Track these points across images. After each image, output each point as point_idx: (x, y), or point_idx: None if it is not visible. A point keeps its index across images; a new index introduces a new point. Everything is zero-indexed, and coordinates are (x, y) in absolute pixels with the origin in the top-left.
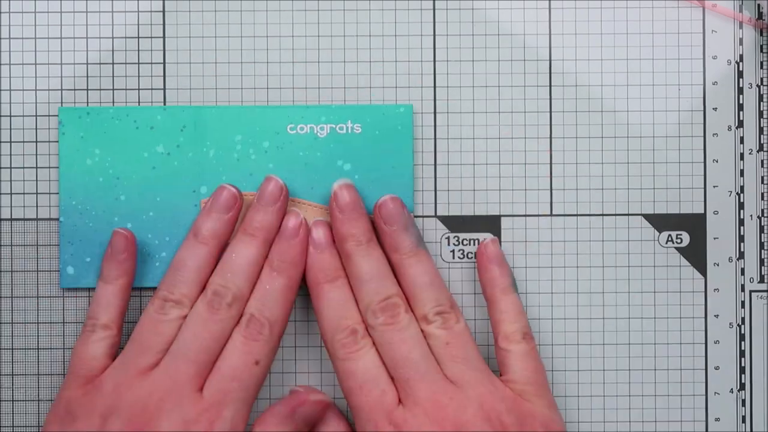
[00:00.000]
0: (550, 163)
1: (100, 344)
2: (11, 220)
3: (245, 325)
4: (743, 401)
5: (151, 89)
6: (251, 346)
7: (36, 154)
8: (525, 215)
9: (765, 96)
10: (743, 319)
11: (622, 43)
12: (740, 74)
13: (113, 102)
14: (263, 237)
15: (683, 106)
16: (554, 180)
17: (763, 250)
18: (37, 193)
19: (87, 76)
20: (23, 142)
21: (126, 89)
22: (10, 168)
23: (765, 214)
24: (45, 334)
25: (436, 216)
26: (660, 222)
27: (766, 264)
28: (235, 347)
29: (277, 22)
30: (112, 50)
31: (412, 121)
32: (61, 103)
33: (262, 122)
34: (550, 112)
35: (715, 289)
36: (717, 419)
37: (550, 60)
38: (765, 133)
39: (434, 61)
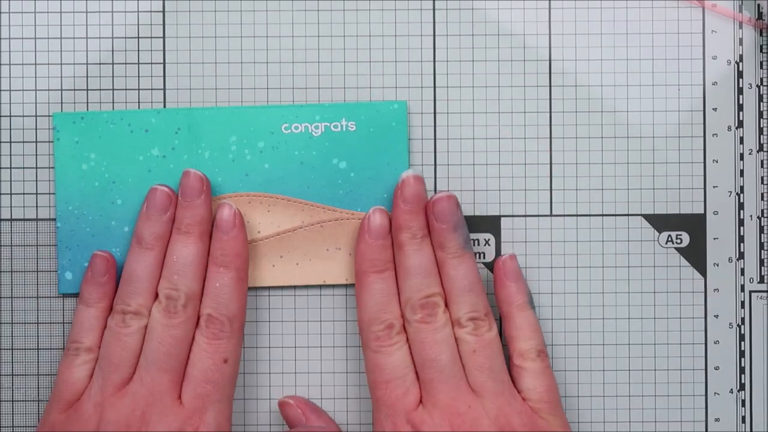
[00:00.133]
0: (550, 163)
1: (84, 367)
2: (11, 220)
3: (205, 326)
4: (743, 401)
5: (151, 89)
6: (216, 345)
7: (36, 155)
8: (525, 215)
9: (765, 96)
10: (743, 320)
11: (622, 43)
12: (740, 74)
13: (113, 102)
14: (198, 232)
15: (683, 106)
16: (554, 180)
17: (763, 251)
18: (36, 194)
19: (87, 77)
20: (23, 142)
21: (126, 89)
22: (10, 168)
23: (765, 215)
24: (44, 334)
25: None
26: (660, 222)
27: (766, 264)
28: (201, 350)
29: (277, 22)
30: (112, 50)
31: (406, 117)
32: (61, 102)
33: (256, 122)
34: (550, 112)
35: (715, 290)
36: (717, 419)
37: (550, 60)
38: (765, 133)
39: (434, 61)
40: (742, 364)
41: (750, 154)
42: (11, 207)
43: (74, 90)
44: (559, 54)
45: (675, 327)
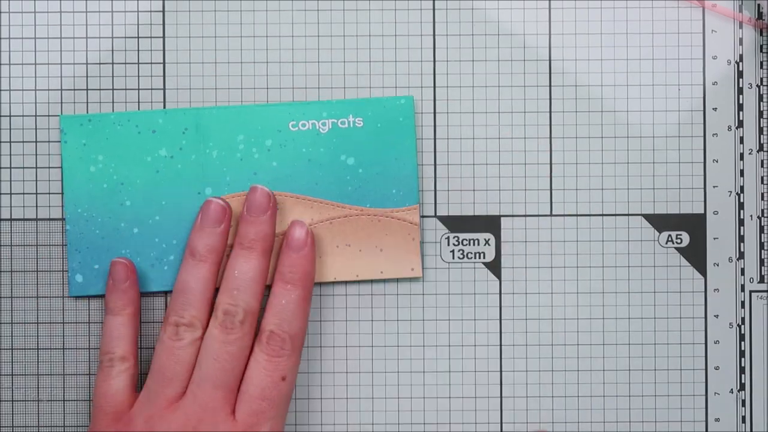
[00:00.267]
0: (550, 163)
1: (121, 377)
2: (11, 220)
3: (266, 343)
4: (743, 401)
5: (151, 89)
6: (275, 362)
7: (36, 154)
8: (525, 215)
9: (765, 96)
10: (743, 319)
11: (622, 43)
12: (740, 74)
13: (113, 102)
14: (261, 248)
15: (683, 106)
16: (554, 180)
17: (763, 250)
18: (36, 194)
19: (87, 76)
20: (23, 142)
21: (126, 89)
22: (10, 168)
23: (765, 214)
24: (45, 334)
25: (436, 216)
26: (660, 222)
27: (766, 264)
28: (259, 366)
29: (277, 22)
30: (112, 50)
31: (413, 112)
32: (61, 102)
33: (263, 121)
34: (550, 112)
35: (715, 289)
36: (717, 419)
37: (550, 60)
38: (765, 133)
39: (434, 61)
40: (742, 364)
41: (750, 154)
42: (11, 207)
43: (74, 90)
44: (559, 54)
45: (675, 327)
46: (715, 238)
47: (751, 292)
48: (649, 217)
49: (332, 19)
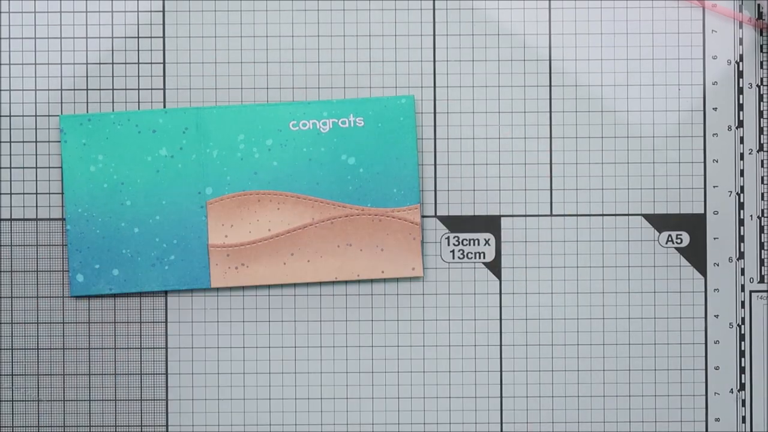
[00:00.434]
0: (550, 163)
1: None
2: (11, 220)
3: None
4: (743, 401)
5: (151, 89)
6: None
7: (36, 154)
8: (525, 215)
9: (765, 96)
10: (743, 319)
11: (622, 43)
12: (740, 74)
13: (113, 102)
14: None
15: (683, 106)
16: (554, 180)
17: (763, 250)
18: (36, 194)
19: (86, 76)
20: (23, 142)
21: (126, 89)
22: (10, 168)
23: (765, 214)
24: (45, 334)
25: (436, 216)
26: (660, 222)
27: (766, 264)
28: None
29: (277, 22)
30: (112, 50)
31: (414, 111)
32: (61, 102)
33: (264, 120)
34: (550, 112)
35: (715, 289)
36: (717, 419)
37: (550, 60)
38: (765, 133)
39: (434, 61)
40: (742, 364)
41: (750, 153)
42: (11, 207)
43: (74, 90)
44: (559, 54)
45: (675, 327)
46: (715, 238)
47: (751, 292)
48: (649, 217)
49: (332, 19)
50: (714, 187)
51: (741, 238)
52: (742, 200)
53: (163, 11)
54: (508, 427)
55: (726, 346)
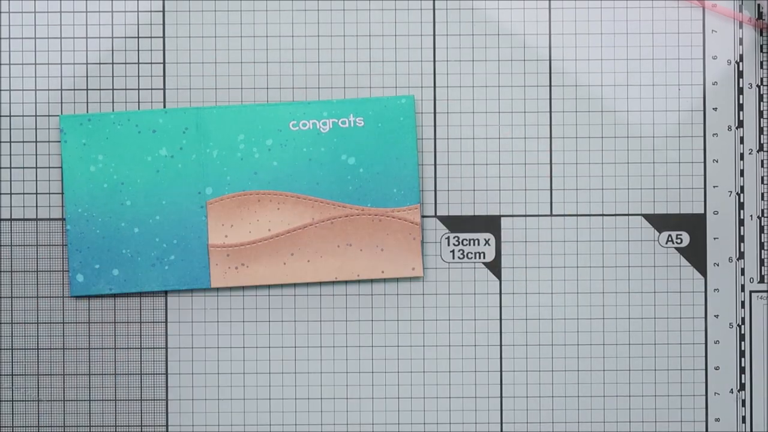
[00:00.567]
0: (550, 163)
1: None
2: (11, 220)
3: None
4: (743, 401)
5: (151, 89)
6: None
7: (36, 154)
8: (525, 215)
9: (765, 96)
10: (743, 319)
11: (622, 43)
12: (740, 74)
13: (113, 102)
14: None
15: (683, 106)
16: (554, 180)
17: (763, 250)
18: (36, 194)
19: (87, 76)
20: (23, 142)
21: (126, 89)
22: (10, 168)
23: (765, 214)
24: (44, 334)
25: (436, 216)
26: (660, 222)
27: (766, 264)
28: None
29: (277, 22)
30: (112, 50)
31: (414, 111)
32: (61, 102)
33: (264, 120)
34: (550, 112)
35: (715, 289)
36: (717, 419)
37: (550, 60)
38: (765, 133)
39: (434, 61)
40: (742, 364)
41: (750, 154)
42: (11, 207)
43: (74, 90)
44: (559, 54)
45: (675, 327)
46: (715, 238)
47: (751, 292)
48: (649, 217)
49: (332, 19)
50: (714, 187)
51: (741, 238)
52: (742, 200)
53: (163, 11)
54: (508, 427)
55: (726, 346)
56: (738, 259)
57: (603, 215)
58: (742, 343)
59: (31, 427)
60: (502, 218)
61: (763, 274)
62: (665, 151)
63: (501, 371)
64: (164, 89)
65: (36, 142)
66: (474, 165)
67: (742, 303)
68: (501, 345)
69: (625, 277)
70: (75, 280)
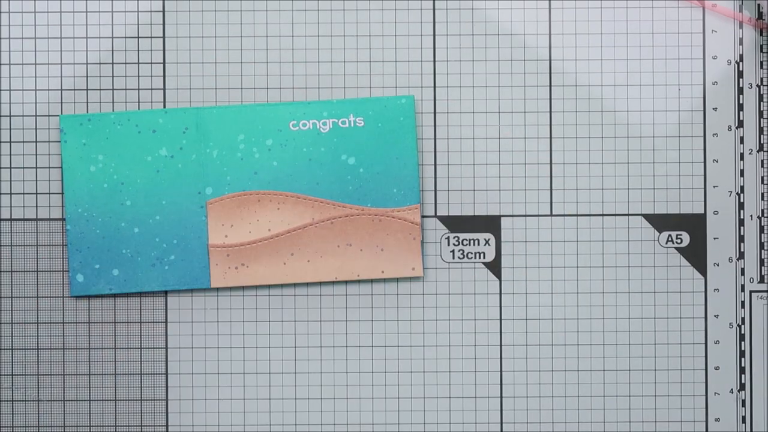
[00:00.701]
0: (550, 163)
1: None
2: (11, 220)
3: None
4: (743, 401)
5: (151, 89)
6: None
7: (36, 154)
8: (525, 215)
9: (765, 96)
10: (743, 320)
11: (622, 43)
12: (740, 74)
13: (113, 102)
14: None
15: (683, 106)
16: (554, 180)
17: (763, 250)
18: (36, 194)
19: (87, 76)
20: (23, 142)
21: (126, 89)
22: (10, 168)
23: (765, 214)
24: (44, 334)
25: (436, 216)
26: (660, 222)
27: (766, 264)
28: None
29: (277, 22)
30: (112, 50)
31: (414, 111)
32: (61, 102)
33: (264, 120)
34: (550, 112)
35: (715, 289)
36: (717, 419)
37: (550, 60)
38: (765, 133)
39: (434, 61)
40: (742, 364)
41: (750, 154)
42: (11, 207)
43: (74, 90)
44: (559, 54)
45: (675, 327)
46: (715, 238)
47: (751, 292)
48: (649, 217)
49: (332, 19)
50: (714, 187)
51: (741, 238)
52: (742, 200)
53: (163, 11)
54: (508, 427)
55: (726, 346)
56: (738, 259)
57: (603, 215)
58: (742, 343)
59: (31, 427)
60: (502, 218)
61: (763, 274)
62: (665, 151)
63: (501, 371)
64: (164, 89)
65: (36, 142)
66: (474, 165)
67: (742, 303)
68: (501, 345)
69: (625, 277)
70: (75, 280)
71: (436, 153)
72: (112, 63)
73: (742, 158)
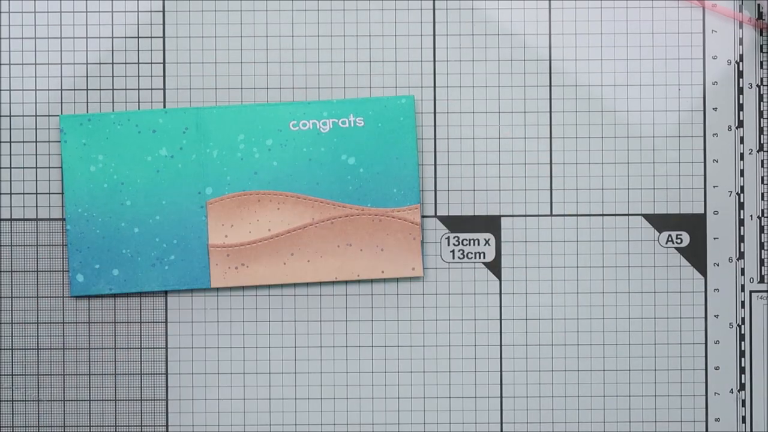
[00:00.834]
0: (550, 163)
1: None
2: (11, 220)
3: None
4: (743, 401)
5: (151, 89)
6: None
7: (36, 154)
8: (525, 215)
9: (765, 96)
10: (743, 319)
11: (622, 43)
12: (740, 74)
13: (113, 102)
14: None
15: (683, 106)
16: (554, 180)
17: (763, 250)
18: (36, 194)
19: (87, 76)
20: (23, 142)
21: (126, 89)
22: (10, 168)
23: (765, 214)
24: (44, 334)
25: (436, 216)
26: (660, 222)
27: (766, 264)
28: None
29: (277, 22)
30: (112, 50)
31: (414, 111)
32: (61, 102)
33: (264, 120)
34: (550, 112)
35: (715, 290)
36: (717, 419)
37: (550, 60)
38: (765, 133)
39: (434, 61)
40: (742, 364)
41: (750, 154)
42: (11, 207)
43: (74, 90)
44: (559, 54)
45: (675, 327)
46: (715, 238)
47: (751, 292)
48: (649, 217)
49: (332, 19)
50: (714, 187)
51: (741, 238)
52: (742, 200)
53: (163, 11)
54: (508, 427)
55: (726, 346)
56: (738, 259)
57: (603, 215)
58: (742, 343)
59: (31, 427)
60: (502, 218)
61: (763, 274)
62: (665, 151)
63: (501, 371)
64: (164, 89)
65: (36, 142)
66: (474, 165)
67: (742, 303)
68: (501, 345)
69: (625, 277)
70: (75, 280)
71: (436, 153)
72: (112, 63)
73: (742, 158)
